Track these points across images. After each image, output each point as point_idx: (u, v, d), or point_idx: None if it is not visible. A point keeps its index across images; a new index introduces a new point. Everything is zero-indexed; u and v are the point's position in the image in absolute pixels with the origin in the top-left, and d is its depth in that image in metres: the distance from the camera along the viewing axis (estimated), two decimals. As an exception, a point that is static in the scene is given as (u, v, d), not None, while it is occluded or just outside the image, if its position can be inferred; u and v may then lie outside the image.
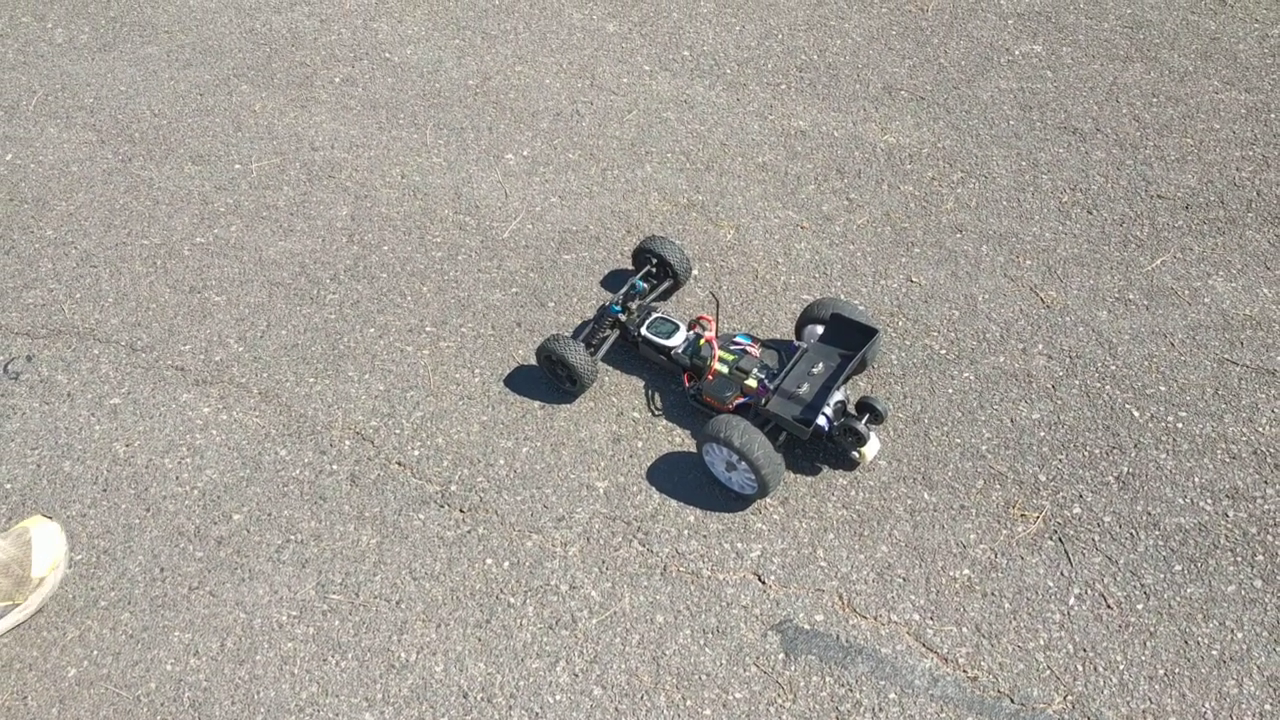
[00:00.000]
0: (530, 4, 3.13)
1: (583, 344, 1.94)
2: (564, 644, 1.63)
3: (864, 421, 1.77)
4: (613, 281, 2.20)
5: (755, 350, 1.93)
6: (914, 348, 2.03)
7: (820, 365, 1.83)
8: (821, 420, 1.79)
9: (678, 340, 1.95)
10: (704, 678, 1.58)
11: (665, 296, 2.14)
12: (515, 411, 1.96)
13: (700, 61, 2.82)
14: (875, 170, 2.42)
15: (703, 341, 1.93)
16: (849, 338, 1.85)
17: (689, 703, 1.56)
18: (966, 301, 2.11)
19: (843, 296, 2.12)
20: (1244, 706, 1.51)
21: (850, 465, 1.83)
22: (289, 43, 3.00)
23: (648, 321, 1.99)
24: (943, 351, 2.02)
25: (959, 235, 2.25)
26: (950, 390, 1.95)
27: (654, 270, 2.11)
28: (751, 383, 1.86)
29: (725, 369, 1.89)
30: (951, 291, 2.13)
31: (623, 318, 2.00)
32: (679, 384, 2.00)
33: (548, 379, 2.00)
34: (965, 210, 2.30)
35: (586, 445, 1.90)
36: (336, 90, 2.80)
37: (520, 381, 2.02)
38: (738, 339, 1.96)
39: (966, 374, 1.98)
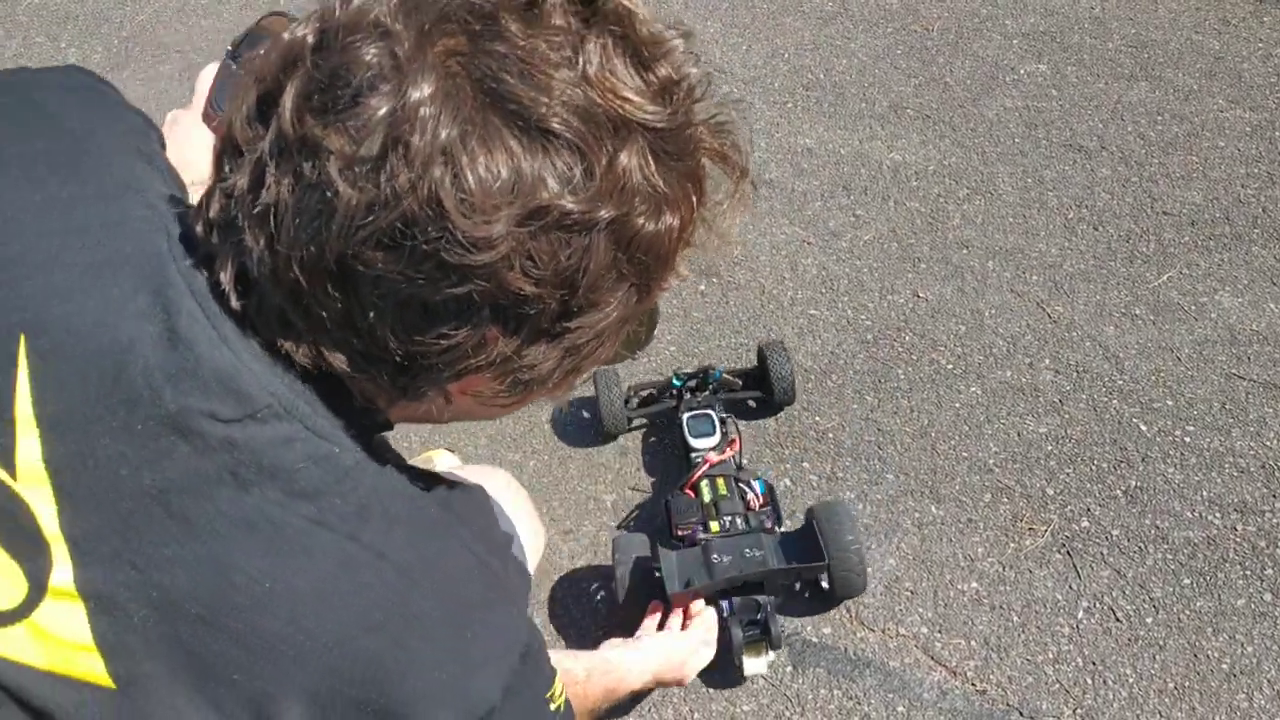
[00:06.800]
0: (538, 24, 3.16)
1: (627, 391, 1.86)
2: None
3: (761, 626, 1.52)
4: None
5: (757, 504, 1.66)
6: (921, 362, 2.04)
7: (761, 553, 1.54)
8: (724, 603, 1.54)
9: (704, 445, 1.74)
10: (712, 691, 1.58)
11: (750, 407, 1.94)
12: (522, 425, 1.97)
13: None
14: (881, 187, 2.43)
15: (703, 461, 1.71)
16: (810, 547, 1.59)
17: (697, 716, 1.55)
18: (973, 316, 2.12)
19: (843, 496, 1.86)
20: (1255, 720, 1.51)
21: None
22: (300, 62, 3.03)
23: (693, 412, 1.80)
24: (949, 366, 2.03)
25: (965, 251, 2.26)
26: (957, 405, 1.96)
27: (752, 370, 1.92)
28: (715, 526, 1.61)
29: (707, 496, 1.66)
30: (958, 307, 2.14)
31: (675, 394, 1.86)
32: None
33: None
34: (971, 226, 2.31)
35: (594, 459, 1.91)
36: (346, 109, 2.83)
37: (528, 395, 2.02)
38: (752, 483, 1.69)
39: (973, 389, 1.98)
